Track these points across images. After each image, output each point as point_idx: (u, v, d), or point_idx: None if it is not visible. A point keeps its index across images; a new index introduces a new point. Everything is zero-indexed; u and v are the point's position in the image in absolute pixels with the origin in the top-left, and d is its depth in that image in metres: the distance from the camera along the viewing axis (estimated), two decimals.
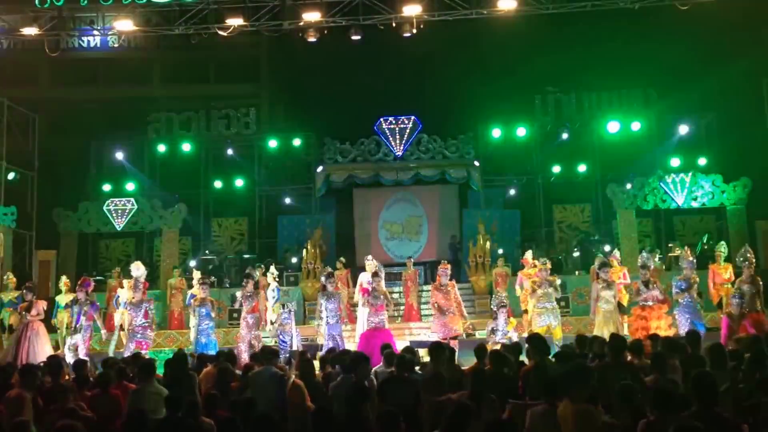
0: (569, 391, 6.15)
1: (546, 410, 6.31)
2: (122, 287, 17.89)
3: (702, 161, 24.67)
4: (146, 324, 15.57)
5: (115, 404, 8.34)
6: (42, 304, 16.25)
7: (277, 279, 18.38)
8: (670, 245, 23.60)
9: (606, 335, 14.41)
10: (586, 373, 6.47)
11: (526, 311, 17.65)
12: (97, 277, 23.58)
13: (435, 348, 8.94)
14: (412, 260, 22.53)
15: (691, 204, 23.29)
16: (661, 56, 24.45)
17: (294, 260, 23.95)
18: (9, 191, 23.15)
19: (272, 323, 16.76)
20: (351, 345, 15.98)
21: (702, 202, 23.22)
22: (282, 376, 8.73)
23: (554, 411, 6.22)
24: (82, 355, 14.83)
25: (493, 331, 14.93)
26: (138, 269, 16.22)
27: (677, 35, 23.09)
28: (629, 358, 8.79)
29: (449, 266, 17.68)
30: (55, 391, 8.50)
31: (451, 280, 17.37)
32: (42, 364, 10.58)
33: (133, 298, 15.74)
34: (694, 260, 16.27)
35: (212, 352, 14.07)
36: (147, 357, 11.44)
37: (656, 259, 19.00)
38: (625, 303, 16.26)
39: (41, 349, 15.43)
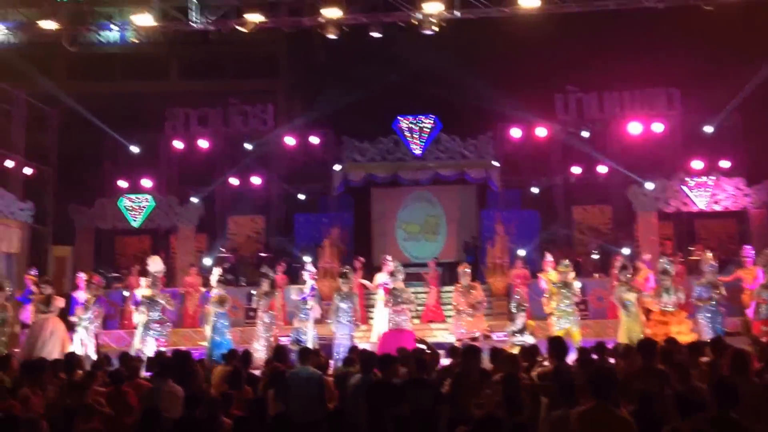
0: (600, 393, 5.91)
1: (564, 415, 6.10)
2: (140, 285, 17.80)
3: (725, 164, 24.27)
4: (162, 319, 15.46)
5: (125, 402, 8.20)
6: (60, 301, 16.11)
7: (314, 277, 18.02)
8: (691, 249, 23.33)
9: (630, 339, 14.27)
10: (613, 377, 6.23)
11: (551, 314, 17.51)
12: (114, 274, 23.63)
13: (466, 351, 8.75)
14: (429, 262, 22.41)
15: (714, 207, 22.94)
16: (685, 56, 24.12)
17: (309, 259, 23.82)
18: (26, 186, 23.09)
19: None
20: (363, 346, 15.75)
21: (725, 206, 22.86)
22: (321, 376, 8.60)
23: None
24: (91, 350, 14.77)
25: (513, 334, 14.75)
26: (155, 264, 16.10)
27: (701, 35, 22.71)
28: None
29: (469, 267, 17.57)
30: (70, 387, 8.38)
31: (474, 280, 17.28)
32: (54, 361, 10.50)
33: (150, 293, 15.61)
34: (716, 264, 16.04)
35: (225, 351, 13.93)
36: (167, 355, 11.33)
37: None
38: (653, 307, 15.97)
39: (59, 346, 15.30)
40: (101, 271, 22.21)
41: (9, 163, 22.72)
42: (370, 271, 21.55)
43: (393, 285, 15.99)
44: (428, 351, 10.96)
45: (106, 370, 9.58)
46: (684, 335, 14.19)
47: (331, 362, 13.56)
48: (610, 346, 10.73)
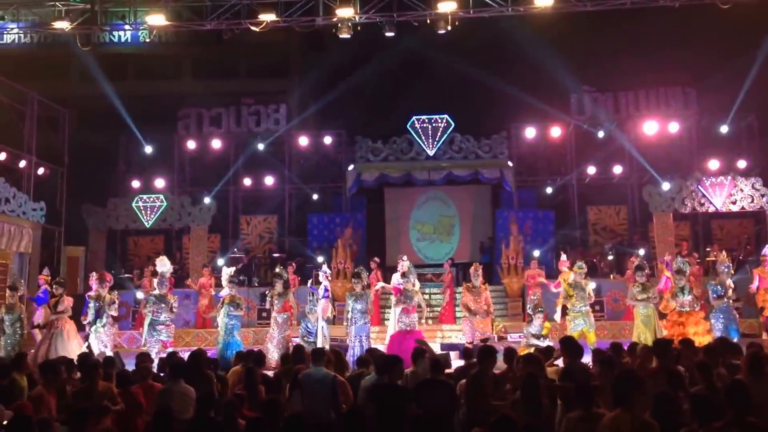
0: (623, 400, 5.80)
1: (582, 416, 6.01)
2: (148, 286, 17.76)
3: (742, 163, 24.05)
4: (168, 321, 15.34)
5: (135, 402, 8.13)
6: (69, 301, 16.07)
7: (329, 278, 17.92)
8: (707, 249, 23.13)
9: (644, 340, 14.12)
10: (637, 380, 6.12)
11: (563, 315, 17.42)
12: (126, 275, 23.60)
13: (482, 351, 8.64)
14: (445, 263, 22.25)
15: (730, 207, 22.72)
16: (701, 55, 23.90)
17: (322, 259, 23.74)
18: (38, 186, 23.07)
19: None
20: (378, 346, 15.65)
21: (741, 206, 22.63)
22: (334, 377, 8.50)
23: (591, 417, 5.94)
24: (108, 351, 14.68)
25: (532, 336, 14.60)
26: (164, 264, 16.00)
27: (717, 34, 22.53)
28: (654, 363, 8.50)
29: (480, 267, 17.42)
30: (83, 387, 8.37)
31: (484, 283, 17.14)
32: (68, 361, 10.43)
33: (158, 293, 15.51)
34: (731, 265, 15.88)
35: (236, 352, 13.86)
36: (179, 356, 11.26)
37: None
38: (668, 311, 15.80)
39: (69, 346, 15.25)
40: (113, 271, 22.21)
41: (22, 163, 22.71)
42: (384, 271, 21.43)
43: (404, 286, 15.88)
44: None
45: (114, 371, 9.51)
46: (701, 336, 14.06)
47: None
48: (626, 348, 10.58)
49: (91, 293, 16.09)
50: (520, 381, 7.08)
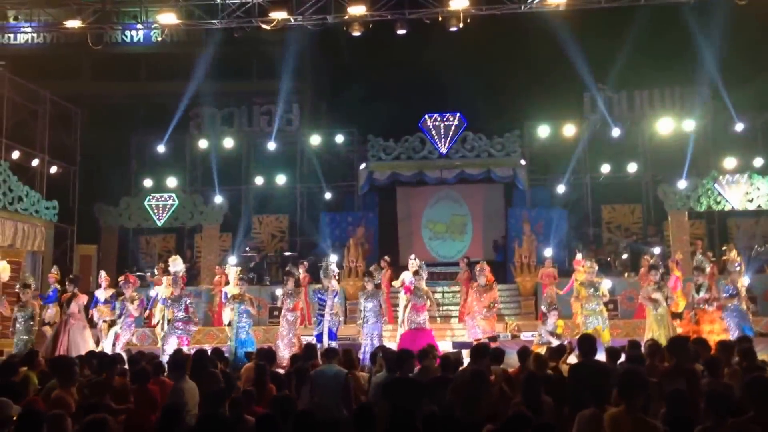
0: (627, 398, 5.71)
1: (594, 415, 5.92)
2: (161, 284, 17.76)
3: (758, 161, 23.82)
4: (187, 318, 15.30)
5: (151, 399, 8.09)
6: (83, 299, 16.10)
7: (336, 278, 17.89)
8: (723, 248, 22.95)
9: (657, 338, 14.00)
10: (644, 380, 6.03)
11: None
12: (137, 273, 23.61)
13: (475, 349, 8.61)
14: (461, 260, 22.12)
15: (747, 206, 22.52)
16: (716, 53, 23.68)
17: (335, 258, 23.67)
18: (51, 185, 23.10)
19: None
20: (391, 344, 15.59)
21: (758, 204, 22.43)
22: (346, 374, 8.49)
23: (602, 416, 5.82)
24: (119, 349, 14.70)
25: (548, 334, 14.51)
26: (177, 264, 16.00)
27: (733, 31, 22.30)
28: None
29: (485, 266, 17.32)
30: (94, 384, 8.39)
31: (493, 281, 17.07)
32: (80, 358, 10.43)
33: (172, 293, 15.53)
34: (743, 264, 15.79)
35: (250, 350, 13.93)
36: (187, 353, 11.22)
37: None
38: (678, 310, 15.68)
39: (81, 343, 15.27)
40: (125, 270, 22.25)
41: (34, 162, 22.75)
42: (396, 270, 21.37)
43: (416, 284, 15.85)
44: None
45: (124, 369, 9.49)
46: (716, 335, 13.95)
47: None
48: None
49: (99, 291, 16.16)
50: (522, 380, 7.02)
